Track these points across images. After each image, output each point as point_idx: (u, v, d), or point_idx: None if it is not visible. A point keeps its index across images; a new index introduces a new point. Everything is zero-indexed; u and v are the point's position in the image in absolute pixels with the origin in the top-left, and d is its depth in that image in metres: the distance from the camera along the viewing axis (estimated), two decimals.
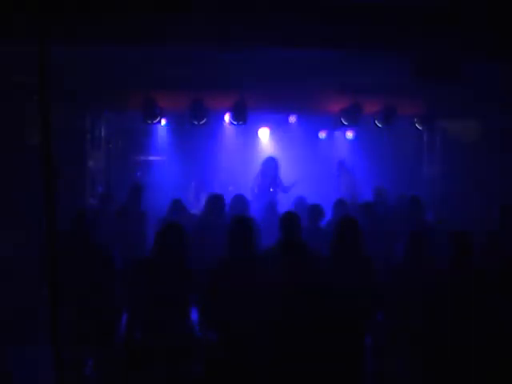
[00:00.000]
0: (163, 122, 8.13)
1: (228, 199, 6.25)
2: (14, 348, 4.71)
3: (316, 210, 6.02)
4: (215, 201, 5.95)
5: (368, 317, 4.26)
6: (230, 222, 4.33)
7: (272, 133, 9.41)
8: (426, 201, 6.64)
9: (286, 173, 8.50)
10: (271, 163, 8.29)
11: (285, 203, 7.31)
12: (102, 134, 8.39)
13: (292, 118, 9.01)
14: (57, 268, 2.58)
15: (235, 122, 7.71)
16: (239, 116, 7.62)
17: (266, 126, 9.28)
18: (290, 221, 4.78)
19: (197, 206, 8.01)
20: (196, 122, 7.59)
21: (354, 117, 7.77)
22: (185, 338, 4.06)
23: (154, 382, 3.96)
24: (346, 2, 4.97)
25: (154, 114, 7.50)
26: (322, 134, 9.49)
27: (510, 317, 3.97)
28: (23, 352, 4.66)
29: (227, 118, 8.03)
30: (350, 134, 9.27)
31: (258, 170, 8.35)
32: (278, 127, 9.38)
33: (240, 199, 6.19)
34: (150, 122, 7.57)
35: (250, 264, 4.06)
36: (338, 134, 9.49)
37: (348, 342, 3.97)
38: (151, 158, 9.54)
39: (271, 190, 8.05)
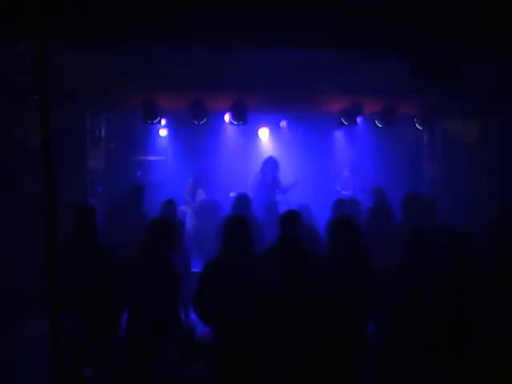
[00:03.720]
0: (163, 121, 8.13)
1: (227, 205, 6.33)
2: (14, 348, 4.70)
3: None
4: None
5: (368, 317, 4.26)
6: (226, 220, 4.34)
7: (272, 133, 9.41)
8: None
9: (286, 173, 8.51)
10: (271, 163, 8.29)
11: (285, 203, 7.31)
12: (102, 134, 8.38)
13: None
14: (57, 268, 2.58)
15: (235, 122, 7.71)
16: (239, 116, 7.62)
17: (265, 126, 9.28)
18: (289, 220, 4.78)
19: (192, 204, 8.02)
20: (196, 122, 7.59)
21: (353, 117, 7.79)
22: (184, 337, 4.06)
23: (153, 382, 3.96)
24: (346, 2, 4.97)
25: (154, 114, 7.50)
26: (322, 134, 9.48)
27: (510, 317, 3.97)
28: (23, 351, 4.66)
29: (227, 118, 8.03)
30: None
31: (258, 170, 8.36)
32: (278, 127, 9.39)
33: (243, 198, 6.20)
34: (150, 122, 7.57)
35: (247, 263, 4.06)
36: (337, 133, 9.50)
37: (347, 341, 3.97)
38: (151, 157, 9.54)
39: (272, 190, 8.05)
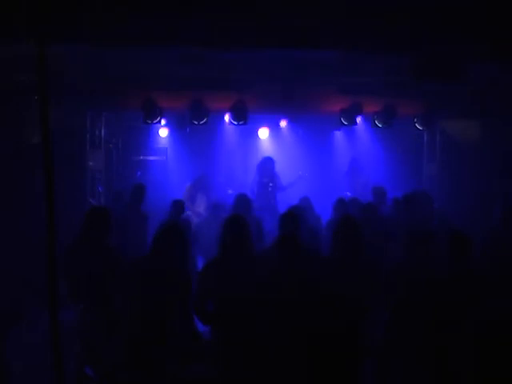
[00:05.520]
0: (163, 121, 8.13)
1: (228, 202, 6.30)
2: (14, 348, 4.71)
3: None
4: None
5: (368, 317, 4.25)
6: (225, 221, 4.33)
7: (272, 133, 9.42)
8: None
9: (286, 172, 8.51)
10: (268, 162, 8.30)
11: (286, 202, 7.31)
12: (102, 134, 8.39)
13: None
14: (57, 268, 2.58)
15: (235, 122, 7.71)
16: (239, 116, 7.62)
17: (265, 126, 9.28)
18: (288, 220, 4.78)
19: (192, 207, 7.99)
20: (196, 122, 7.60)
21: (353, 117, 7.79)
22: (186, 337, 4.06)
23: (153, 382, 3.96)
24: (346, 2, 4.97)
25: (154, 114, 7.50)
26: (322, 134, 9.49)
27: (510, 316, 3.97)
28: (23, 351, 4.66)
29: (227, 118, 8.03)
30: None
31: (256, 170, 8.36)
32: (278, 127, 9.39)
33: (242, 198, 6.19)
34: (150, 121, 7.58)
35: (246, 263, 4.06)
36: (337, 133, 9.50)
37: (347, 341, 3.97)
38: (151, 157, 9.54)
39: (270, 188, 8.06)
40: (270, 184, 8.08)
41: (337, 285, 4.07)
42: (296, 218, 4.85)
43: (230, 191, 8.16)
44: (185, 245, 4.20)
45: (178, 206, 6.42)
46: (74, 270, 4.43)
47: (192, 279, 4.20)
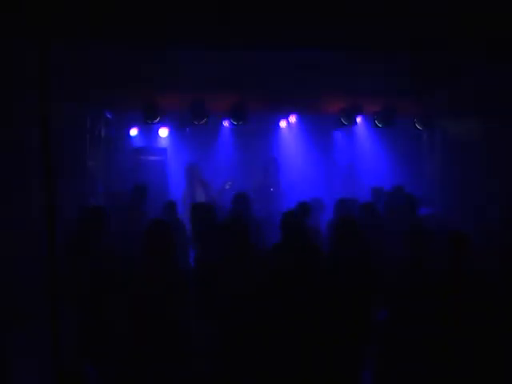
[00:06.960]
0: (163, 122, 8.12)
1: (226, 197, 6.27)
2: (14, 348, 4.70)
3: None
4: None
5: (368, 316, 4.26)
6: (224, 221, 4.34)
7: (271, 133, 9.41)
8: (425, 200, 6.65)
9: (286, 173, 8.51)
10: (272, 163, 8.30)
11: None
12: (102, 134, 8.38)
13: (292, 119, 9.01)
14: (57, 268, 2.59)
15: (235, 122, 7.72)
16: (239, 116, 7.63)
17: (264, 125, 9.27)
18: (291, 220, 4.78)
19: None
20: (196, 122, 7.60)
21: (353, 117, 7.80)
22: (186, 337, 4.06)
23: (153, 382, 3.96)
24: (346, 2, 4.97)
25: (154, 114, 7.51)
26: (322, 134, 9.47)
27: (510, 317, 3.98)
28: (23, 351, 4.66)
29: (227, 118, 8.02)
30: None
31: (258, 170, 8.36)
32: (278, 127, 9.38)
33: (242, 197, 6.18)
34: (150, 121, 7.58)
35: (246, 263, 4.06)
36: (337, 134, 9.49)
37: (347, 341, 3.97)
38: (151, 158, 9.52)
39: (272, 189, 8.05)
40: (271, 189, 8.05)
41: (337, 284, 4.07)
42: (297, 217, 4.84)
43: (227, 186, 8.03)
44: (169, 242, 4.16)
45: (170, 207, 6.39)
46: (71, 270, 4.43)
47: (192, 279, 4.20)
